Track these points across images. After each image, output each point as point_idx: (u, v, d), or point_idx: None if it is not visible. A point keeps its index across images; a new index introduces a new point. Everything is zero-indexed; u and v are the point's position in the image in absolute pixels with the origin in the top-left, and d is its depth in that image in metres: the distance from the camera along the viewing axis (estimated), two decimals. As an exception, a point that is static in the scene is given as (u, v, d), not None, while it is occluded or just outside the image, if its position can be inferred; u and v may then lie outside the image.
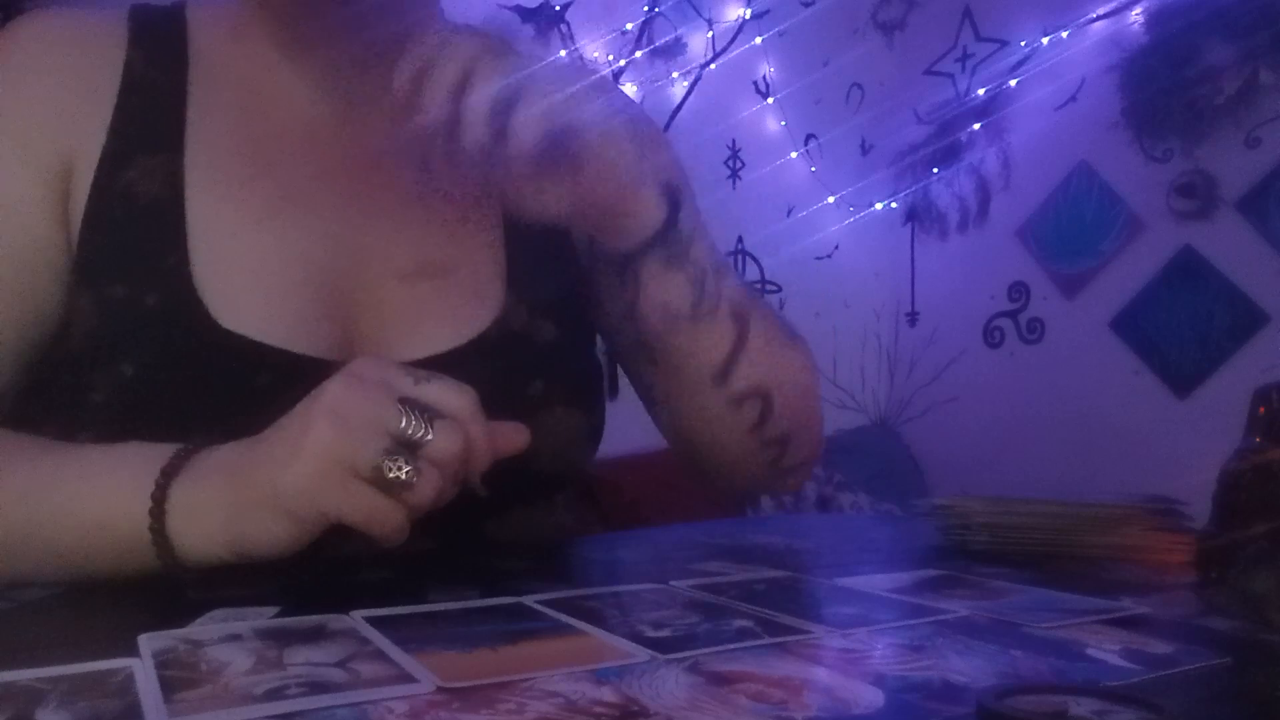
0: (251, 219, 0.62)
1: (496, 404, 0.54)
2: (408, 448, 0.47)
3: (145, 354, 0.57)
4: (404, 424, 0.47)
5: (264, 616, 0.42)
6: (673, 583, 0.51)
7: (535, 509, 0.69)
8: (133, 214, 0.60)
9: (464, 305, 0.66)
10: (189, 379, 0.58)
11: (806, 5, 2.79)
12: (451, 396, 0.50)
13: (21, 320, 0.59)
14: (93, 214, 0.60)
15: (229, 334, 0.58)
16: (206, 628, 0.40)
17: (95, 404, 0.57)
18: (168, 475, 0.50)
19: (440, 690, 0.32)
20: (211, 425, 0.54)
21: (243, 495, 0.48)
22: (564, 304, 0.71)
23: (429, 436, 0.47)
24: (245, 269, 0.61)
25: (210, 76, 0.65)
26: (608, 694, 0.30)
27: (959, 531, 0.69)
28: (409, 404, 0.48)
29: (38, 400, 0.61)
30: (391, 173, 0.68)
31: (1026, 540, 0.66)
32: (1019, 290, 2.68)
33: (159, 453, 0.52)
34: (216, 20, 0.67)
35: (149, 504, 0.49)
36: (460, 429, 0.49)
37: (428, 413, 0.48)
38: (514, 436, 0.53)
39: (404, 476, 0.46)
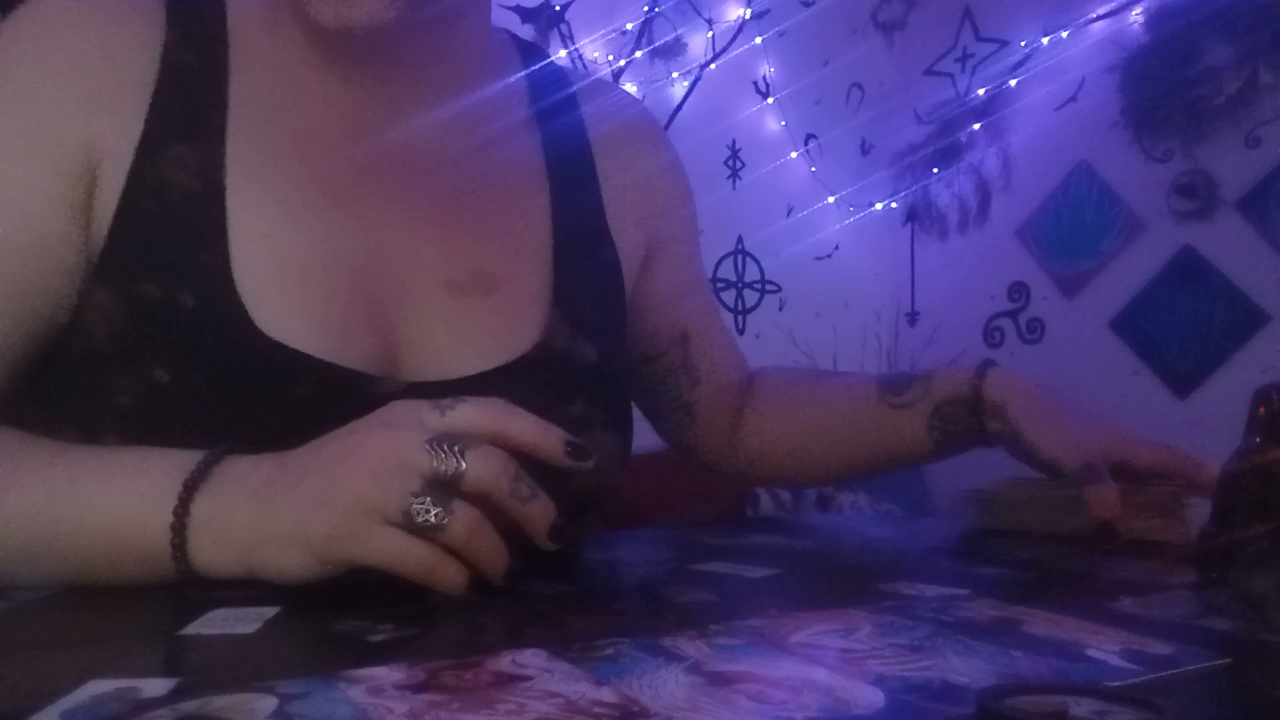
0: (293, 218, 0.59)
1: None
2: (445, 486, 0.45)
3: (179, 357, 0.54)
4: (434, 463, 0.44)
5: (264, 617, 0.42)
6: (673, 583, 0.51)
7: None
8: (170, 207, 0.56)
9: (509, 320, 0.64)
10: (224, 386, 0.55)
11: (806, 5, 2.79)
12: (479, 416, 0.47)
13: (23, 317, 0.55)
14: (126, 206, 0.56)
15: (270, 341, 0.55)
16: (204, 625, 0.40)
17: (122, 407, 0.54)
18: (190, 489, 0.48)
19: (430, 681, 0.31)
20: (244, 435, 0.52)
21: (268, 528, 0.46)
22: (607, 328, 0.70)
23: (462, 467, 0.45)
24: (287, 271, 0.57)
25: (251, 65, 0.61)
26: (607, 694, 0.30)
27: (988, 514, 0.73)
28: (439, 440, 0.45)
29: (55, 400, 0.57)
30: (437, 176, 0.66)
31: (1061, 524, 0.67)
32: (1019, 290, 2.68)
33: (181, 461, 0.49)
34: (253, 6, 0.63)
35: (170, 518, 0.47)
36: (493, 451, 0.46)
37: (458, 444, 0.45)
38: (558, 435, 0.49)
39: (434, 520, 0.44)
